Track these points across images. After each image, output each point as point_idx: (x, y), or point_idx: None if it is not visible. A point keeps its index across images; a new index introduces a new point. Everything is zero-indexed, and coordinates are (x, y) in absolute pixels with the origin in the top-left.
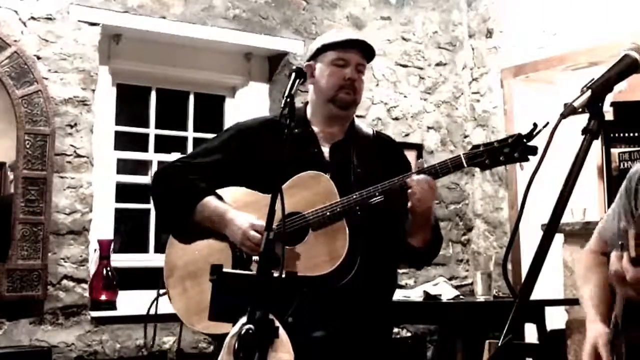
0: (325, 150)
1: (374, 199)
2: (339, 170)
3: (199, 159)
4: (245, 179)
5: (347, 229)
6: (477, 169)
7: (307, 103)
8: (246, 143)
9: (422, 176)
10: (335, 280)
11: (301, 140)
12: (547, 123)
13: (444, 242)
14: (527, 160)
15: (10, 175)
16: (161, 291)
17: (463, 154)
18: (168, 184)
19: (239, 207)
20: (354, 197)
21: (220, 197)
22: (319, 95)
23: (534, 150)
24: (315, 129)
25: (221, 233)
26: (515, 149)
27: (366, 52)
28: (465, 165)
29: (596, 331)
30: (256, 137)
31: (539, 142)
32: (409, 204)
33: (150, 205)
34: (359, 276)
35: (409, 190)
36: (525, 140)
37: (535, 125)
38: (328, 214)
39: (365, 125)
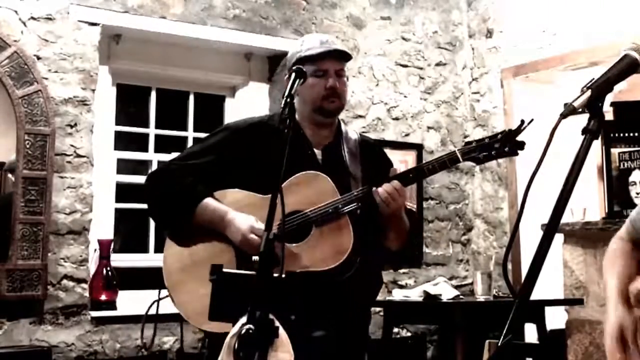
0: (318, 152)
1: (367, 192)
2: (333, 171)
3: (192, 160)
4: (239, 181)
5: (350, 224)
6: (477, 169)
7: None
8: (238, 144)
9: (394, 183)
10: (338, 275)
11: (293, 142)
12: (532, 120)
13: (444, 242)
14: (517, 154)
15: (11, 177)
16: (162, 294)
17: (458, 149)
18: (167, 186)
19: (238, 209)
20: (355, 194)
21: (217, 199)
22: (304, 105)
23: (522, 145)
24: (306, 131)
25: (221, 234)
26: (505, 144)
27: (342, 54)
28: (461, 160)
29: (621, 315)
30: (248, 138)
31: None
32: (379, 208)
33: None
34: (359, 272)
35: (377, 190)
36: (513, 136)
37: (522, 121)
38: (330, 210)
39: (351, 130)
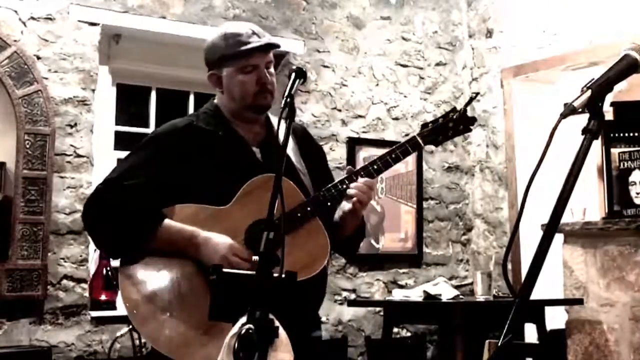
0: (256, 150)
1: (340, 190)
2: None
3: (130, 180)
4: (183, 193)
5: (323, 226)
6: (477, 169)
7: (215, 104)
8: (172, 153)
9: (363, 180)
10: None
11: (229, 143)
12: (477, 93)
13: (444, 242)
14: (470, 130)
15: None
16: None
17: (417, 134)
18: (116, 213)
19: (197, 225)
20: (322, 193)
21: (172, 218)
22: (233, 102)
23: (473, 121)
24: (238, 130)
25: (183, 256)
26: (459, 122)
27: (270, 45)
28: (423, 145)
29: None
30: (179, 144)
31: (539, 142)
32: (349, 206)
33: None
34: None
35: (351, 192)
36: (464, 112)
37: (471, 97)
38: (299, 215)
39: (273, 118)
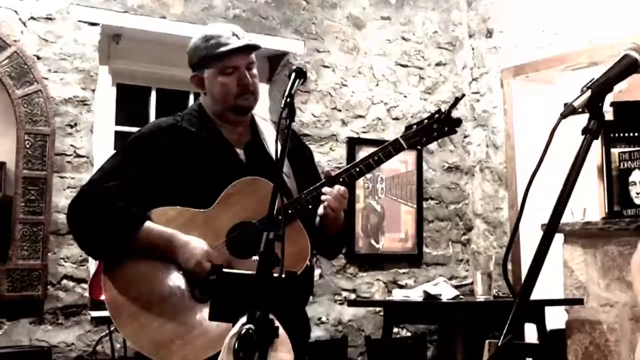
0: (240, 152)
1: (318, 194)
2: (261, 171)
3: (112, 181)
4: (166, 195)
5: (303, 228)
6: (477, 169)
7: (200, 105)
8: (155, 153)
9: (337, 187)
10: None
11: (212, 144)
12: (463, 95)
13: (444, 242)
14: (455, 132)
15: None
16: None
17: (401, 136)
18: (98, 215)
19: (176, 228)
20: (303, 196)
21: (153, 221)
22: (215, 104)
23: (458, 123)
24: (223, 131)
25: (166, 259)
26: (444, 123)
27: (250, 47)
28: (406, 147)
29: None
30: (163, 145)
31: (539, 142)
32: (321, 211)
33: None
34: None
35: (323, 198)
36: (449, 114)
37: (457, 98)
38: (280, 217)
39: (260, 118)
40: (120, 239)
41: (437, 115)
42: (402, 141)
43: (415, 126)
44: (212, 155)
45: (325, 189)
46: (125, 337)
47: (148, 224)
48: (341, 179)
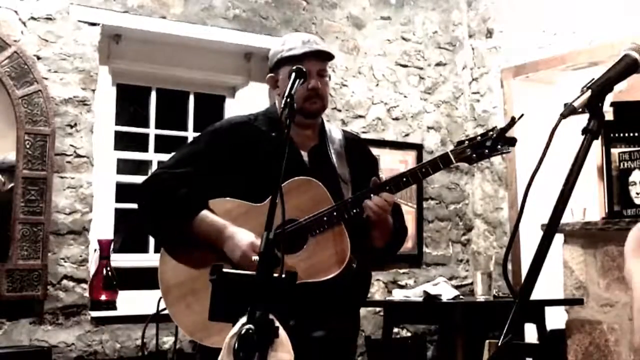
0: (304, 154)
1: (362, 200)
2: (322, 175)
3: (182, 167)
4: (228, 187)
5: (346, 232)
6: (477, 169)
7: (274, 106)
8: (225, 148)
9: (384, 194)
10: (337, 281)
11: (279, 144)
12: (522, 115)
13: (444, 242)
14: (509, 151)
15: (1, 178)
16: (161, 307)
17: (450, 150)
18: (161, 199)
19: (230, 220)
20: (349, 200)
21: (212, 211)
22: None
23: (513, 142)
24: (291, 133)
25: (217, 249)
26: (497, 141)
27: (324, 54)
28: (455, 162)
29: None
30: (233, 140)
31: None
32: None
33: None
34: (355, 275)
35: (366, 203)
36: (505, 133)
37: (513, 117)
38: (326, 218)
39: (334, 127)
40: (176, 224)
41: (490, 132)
42: (451, 156)
43: (467, 142)
44: (276, 155)
45: (374, 197)
46: (171, 315)
47: (204, 212)
48: (387, 188)
